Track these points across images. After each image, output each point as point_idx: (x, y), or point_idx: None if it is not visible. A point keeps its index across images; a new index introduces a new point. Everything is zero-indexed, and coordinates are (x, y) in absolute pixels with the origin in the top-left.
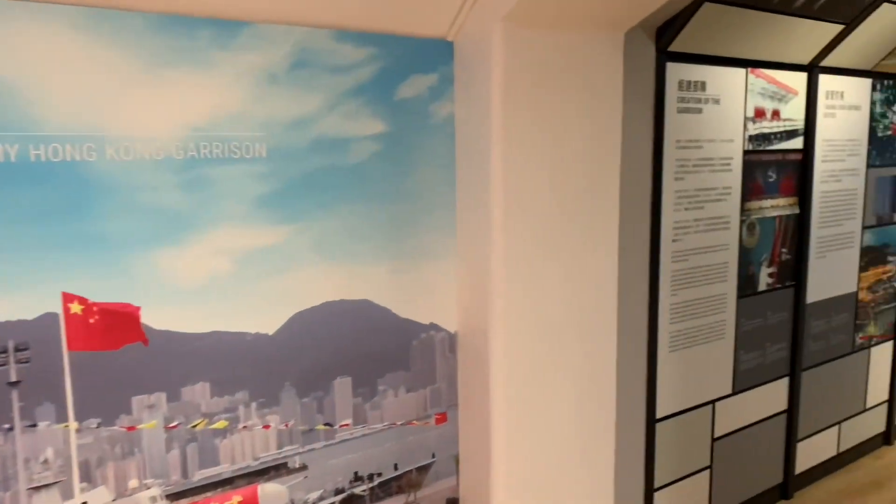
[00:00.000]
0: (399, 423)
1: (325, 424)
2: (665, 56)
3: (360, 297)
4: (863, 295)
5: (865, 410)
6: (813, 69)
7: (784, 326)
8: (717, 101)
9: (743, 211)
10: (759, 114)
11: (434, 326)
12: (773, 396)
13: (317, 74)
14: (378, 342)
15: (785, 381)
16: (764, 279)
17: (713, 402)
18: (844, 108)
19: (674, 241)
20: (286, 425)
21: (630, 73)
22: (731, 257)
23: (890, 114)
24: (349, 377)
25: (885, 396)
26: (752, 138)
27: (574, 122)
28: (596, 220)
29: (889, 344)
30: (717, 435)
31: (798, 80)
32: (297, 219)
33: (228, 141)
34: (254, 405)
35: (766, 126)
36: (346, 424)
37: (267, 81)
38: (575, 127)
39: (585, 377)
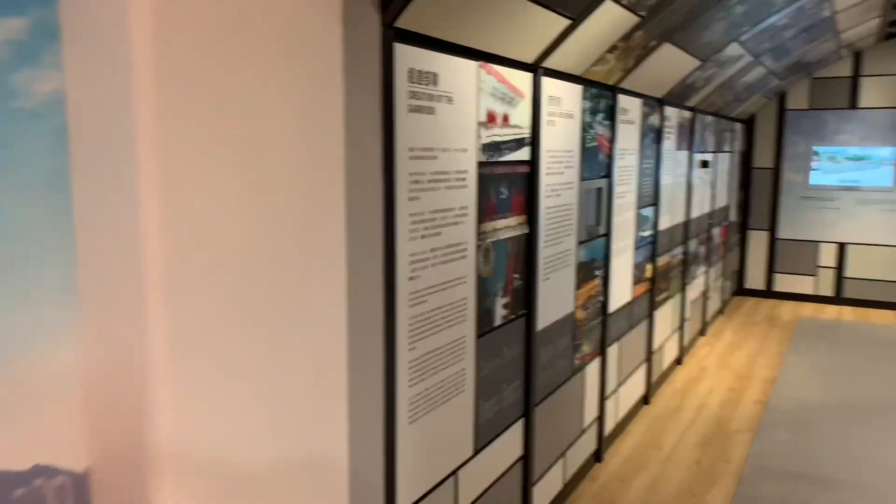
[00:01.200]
0: None
1: None
2: (392, 34)
3: None
4: (578, 314)
5: (583, 433)
6: (537, 70)
7: (517, 362)
8: (450, 100)
9: (479, 235)
10: (491, 118)
11: (43, 471)
12: (510, 444)
13: None
14: None
15: (520, 424)
16: (499, 312)
17: (455, 471)
18: (562, 115)
19: (411, 278)
20: None
21: (350, 50)
22: (470, 291)
23: (595, 124)
24: None
25: (596, 413)
26: (485, 147)
27: (276, 114)
28: (314, 263)
29: (598, 360)
30: None
31: (524, 81)
32: None
33: None
34: None
35: (498, 133)
36: None
37: None
38: (278, 120)
39: (307, 496)
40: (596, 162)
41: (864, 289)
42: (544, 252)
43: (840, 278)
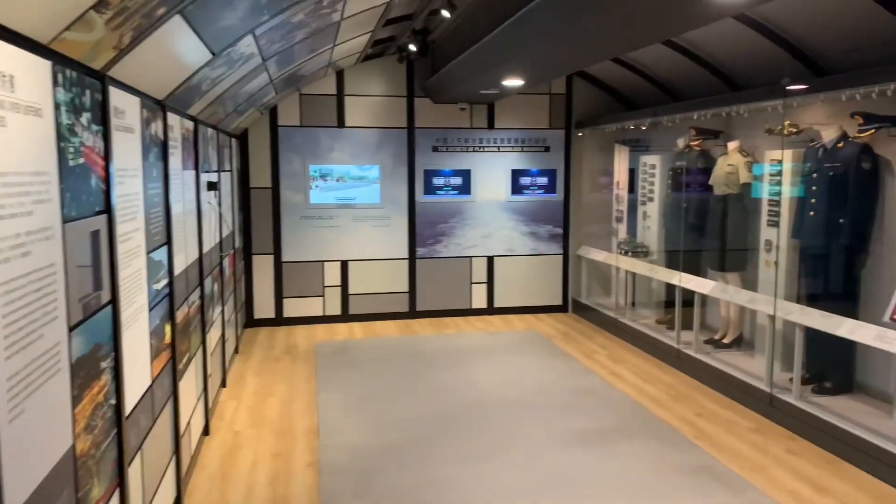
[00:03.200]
0: None
1: None
2: None
3: None
4: (81, 444)
5: None
6: None
7: None
8: None
9: None
10: None
11: None
12: None
13: None
14: None
15: None
16: None
17: None
18: (20, 109)
19: None
20: None
21: None
22: None
23: (81, 130)
24: None
25: None
26: None
27: None
28: None
29: (116, 495)
30: None
31: None
32: None
33: None
34: None
35: None
36: None
37: None
38: None
39: None
40: (87, 190)
41: (367, 303)
42: (2, 371)
43: (346, 296)
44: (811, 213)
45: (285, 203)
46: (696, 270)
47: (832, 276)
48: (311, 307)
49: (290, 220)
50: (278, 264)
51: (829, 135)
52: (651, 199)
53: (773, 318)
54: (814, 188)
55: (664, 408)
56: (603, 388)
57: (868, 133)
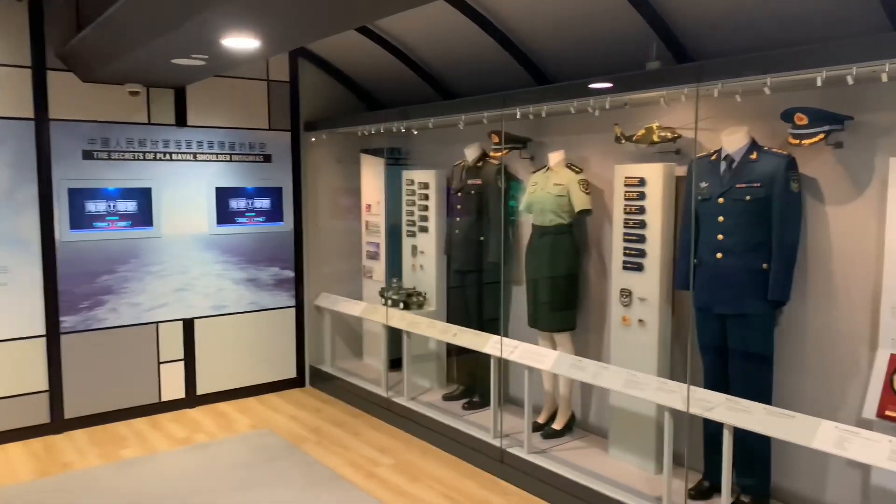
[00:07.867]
0: None
1: None
2: None
3: None
4: None
5: None
6: None
7: None
8: None
9: None
10: None
11: None
12: None
13: None
14: None
15: None
16: None
17: None
18: None
19: None
20: None
21: None
22: None
23: None
24: None
25: None
26: None
27: None
28: None
29: None
30: None
31: None
32: None
33: None
34: None
35: None
36: None
37: None
38: None
39: None
40: None
41: None
42: None
43: None
44: (718, 254)
45: None
46: (496, 328)
47: (749, 339)
48: None
49: None
50: None
51: (733, 144)
52: (424, 230)
53: (675, 412)
54: (721, 219)
55: None
56: None
57: (815, 139)
